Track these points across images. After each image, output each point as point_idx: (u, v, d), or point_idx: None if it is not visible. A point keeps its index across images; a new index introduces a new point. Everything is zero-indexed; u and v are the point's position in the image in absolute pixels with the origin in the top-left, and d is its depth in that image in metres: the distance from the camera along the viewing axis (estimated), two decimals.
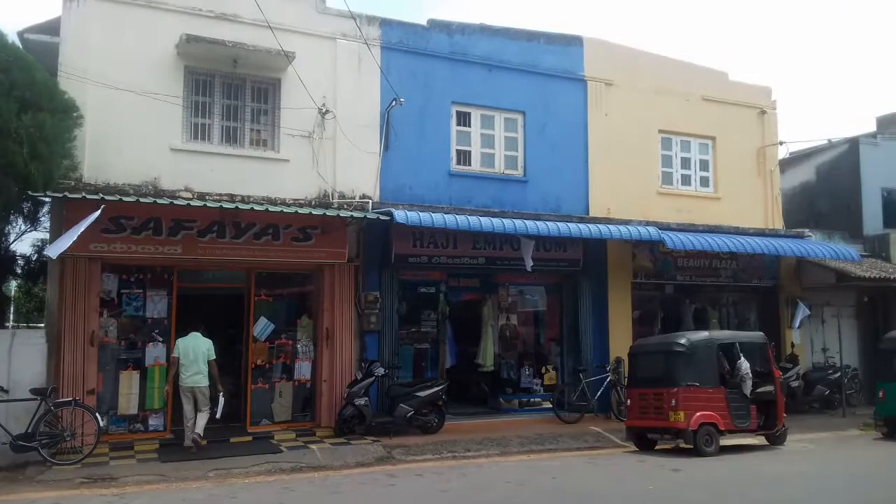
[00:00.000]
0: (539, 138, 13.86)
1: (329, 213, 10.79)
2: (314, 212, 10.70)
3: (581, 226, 12.68)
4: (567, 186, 14.04)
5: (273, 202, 11.00)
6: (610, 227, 12.94)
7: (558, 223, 12.46)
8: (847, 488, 8.27)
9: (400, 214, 11.18)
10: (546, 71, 14.03)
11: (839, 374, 15.27)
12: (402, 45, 12.78)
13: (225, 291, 12.44)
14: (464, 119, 13.42)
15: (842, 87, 60.10)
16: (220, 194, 10.88)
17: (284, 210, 10.57)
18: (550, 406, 13.36)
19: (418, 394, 11.50)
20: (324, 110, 11.84)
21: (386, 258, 12.23)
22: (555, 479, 8.74)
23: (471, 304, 14.07)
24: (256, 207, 10.31)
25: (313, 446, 10.45)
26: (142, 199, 9.85)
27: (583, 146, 14.25)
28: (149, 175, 10.79)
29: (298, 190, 11.66)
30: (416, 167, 12.75)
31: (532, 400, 13.93)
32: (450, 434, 11.50)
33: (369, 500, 7.91)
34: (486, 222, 11.78)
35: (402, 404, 11.35)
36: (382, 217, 11.26)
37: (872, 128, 28.73)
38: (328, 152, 11.97)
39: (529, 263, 12.40)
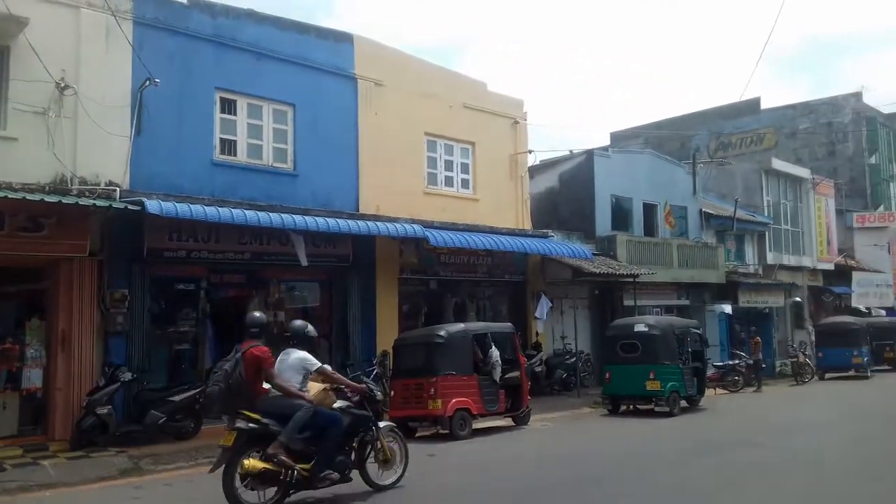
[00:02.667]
0: (310, 132, 13.73)
1: (66, 200, 9.61)
2: (47, 198, 9.44)
3: (350, 222, 12.81)
4: (338, 182, 14.10)
5: None
6: (378, 223, 13.25)
7: (328, 219, 12.46)
8: (572, 460, 9.42)
9: (153, 205, 10.34)
10: (317, 65, 13.94)
11: (575, 358, 17.28)
12: (159, 21, 11.83)
13: None
14: (229, 107, 12.82)
15: (584, 105, 67.97)
16: None
17: (10, 195, 9.21)
18: None
19: (172, 398, 10.75)
20: (62, 85, 10.53)
21: (137, 252, 11.25)
22: None
23: (236, 302, 13.46)
24: None
25: (45, 462, 9.27)
26: None
27: (353, 143, 14.41)
28: None
29: (29, 173, 10.21)
30: (175, 155, 11.90)
31: None
32: (209, 439, 10.84)
33: None
34: (252, 216, 11.37)
35: (153, 411, 10.52)
36: (132, 207, 10.31)
37: (607, 142, 33.03)
38: (67, 132, 10.66)
39: (304, 260, 12.27)
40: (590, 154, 20.49)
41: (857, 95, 36.12)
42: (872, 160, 36.17)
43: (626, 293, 19.05)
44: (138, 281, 11.30)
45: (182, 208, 10.61)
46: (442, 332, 11.74)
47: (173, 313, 12.30)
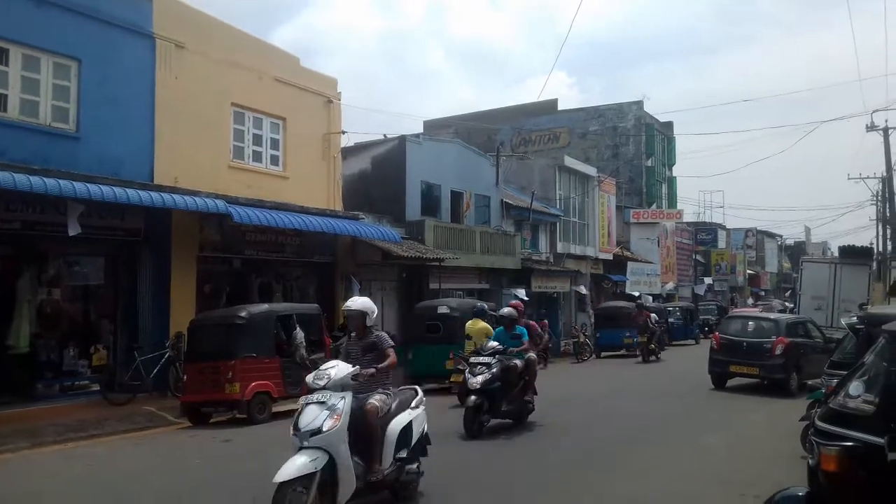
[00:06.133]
0: (97, 92, 12.43)
1: None
2: None
3: (142, 193, 11.83)
4: (129, 149, 12.95)
5: None
6: (175, 196, 12.37)
7: (115, 188, 11.40)
8: None
9: None
10: (109, 19, 12.65)
11: None
12: None
13: None
14: (1, 57, 11.20)
15: (402, 92, 68.93)
16: None
17: None
18: (98, 389, 12.21)
19: None
20: None
21: None
22: (90, 465, 8.03)
23: (3, 277, 11.88)
24: None
25: None
26: None
27: (149, 108, 13.31)
28: None
29: None
30: None
31: (76, 383, 12.50)
32: None
33: None
34: (22, 180, 10.08)
35: None
36: None
37: (420, 129, 33.75)
38: None
39: (74, 229, 11.07)
40: (402, 140, 20.80)
41: (639, 104, 40.49)
42: (649, 163, 40.85)
43: (431, 276, 19.69)
44: None
45: None
46: (243, 313, 11.31)
47: None
